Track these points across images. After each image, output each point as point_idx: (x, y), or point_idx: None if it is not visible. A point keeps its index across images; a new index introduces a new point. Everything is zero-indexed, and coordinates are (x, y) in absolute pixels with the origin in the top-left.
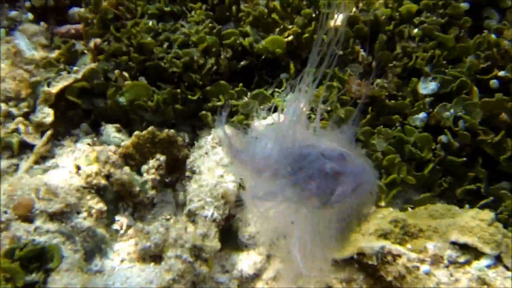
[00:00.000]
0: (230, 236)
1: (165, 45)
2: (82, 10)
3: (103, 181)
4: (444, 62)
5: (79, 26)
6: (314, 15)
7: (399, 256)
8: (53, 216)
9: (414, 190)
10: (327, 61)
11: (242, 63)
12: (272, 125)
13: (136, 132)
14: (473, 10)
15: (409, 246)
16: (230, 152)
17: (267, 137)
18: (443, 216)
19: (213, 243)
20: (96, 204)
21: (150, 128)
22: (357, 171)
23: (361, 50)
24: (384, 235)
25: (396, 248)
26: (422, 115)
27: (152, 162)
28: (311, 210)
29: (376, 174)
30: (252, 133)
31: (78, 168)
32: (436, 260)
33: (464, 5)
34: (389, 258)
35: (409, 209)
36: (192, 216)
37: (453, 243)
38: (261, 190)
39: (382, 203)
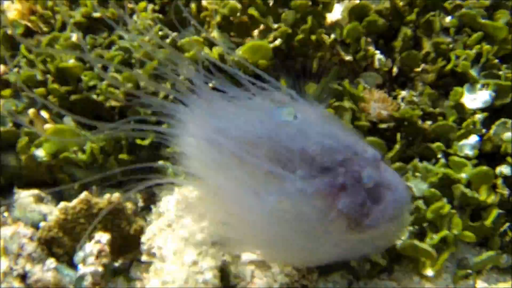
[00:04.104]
0: None
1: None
2: None
3: (16, 284)
4: (496, 61)
5: None
6: (310, 3)
7: None
8: None
9: (465, 243)
10: None
11: (211, 84)
12: None
13: (62, 204)
14: None
15: None
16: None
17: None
18: None
19: None
20: None
21: (83, 195)
22: (396, 182)
23: (377, 52)
24: None
25: None
26: (473, 139)
27: (90, 247)
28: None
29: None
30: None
31: None
32: None
33: None
34: None
35: (475, 282)
36: None
37: None
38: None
39: (428, 271)
